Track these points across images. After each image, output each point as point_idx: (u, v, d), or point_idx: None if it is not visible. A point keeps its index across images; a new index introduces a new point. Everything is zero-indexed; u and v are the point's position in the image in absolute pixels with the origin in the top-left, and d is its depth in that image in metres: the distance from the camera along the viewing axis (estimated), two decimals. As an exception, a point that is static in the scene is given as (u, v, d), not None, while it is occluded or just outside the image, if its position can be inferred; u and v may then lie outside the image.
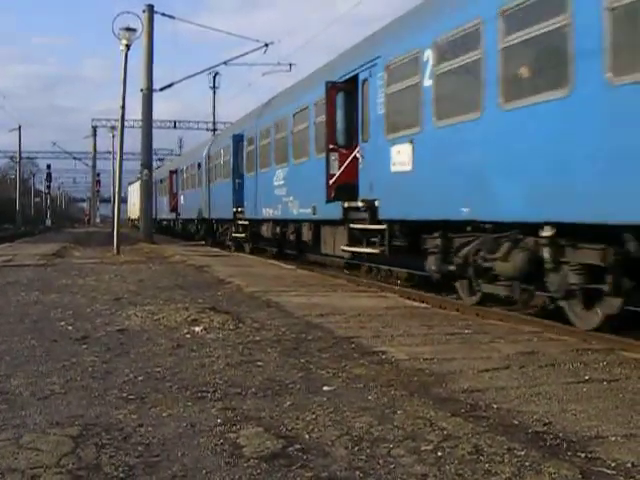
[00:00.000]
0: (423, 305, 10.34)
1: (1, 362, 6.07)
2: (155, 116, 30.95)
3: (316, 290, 11.89)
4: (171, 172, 40.74)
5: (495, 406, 4.76)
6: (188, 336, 7.37)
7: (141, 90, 28.86)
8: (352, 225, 13.70)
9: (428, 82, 10.57)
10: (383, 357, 6.32)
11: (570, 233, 7.94)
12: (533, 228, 8.44)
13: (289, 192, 17.95)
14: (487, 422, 4.39)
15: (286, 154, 18.13)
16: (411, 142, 11.10)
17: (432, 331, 7.77)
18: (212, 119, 60.52)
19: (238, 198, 23.45)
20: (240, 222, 24.20)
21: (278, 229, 20.13)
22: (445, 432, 4.16)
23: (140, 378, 5.50)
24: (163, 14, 29.40)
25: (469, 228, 10.13)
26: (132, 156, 59.96)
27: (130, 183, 70.46)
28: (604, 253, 7.57)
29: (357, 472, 3.55)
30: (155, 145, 30.48)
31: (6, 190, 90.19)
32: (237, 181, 23.58)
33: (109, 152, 61.82)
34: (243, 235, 24.47)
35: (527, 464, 3.64)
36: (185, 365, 5.96)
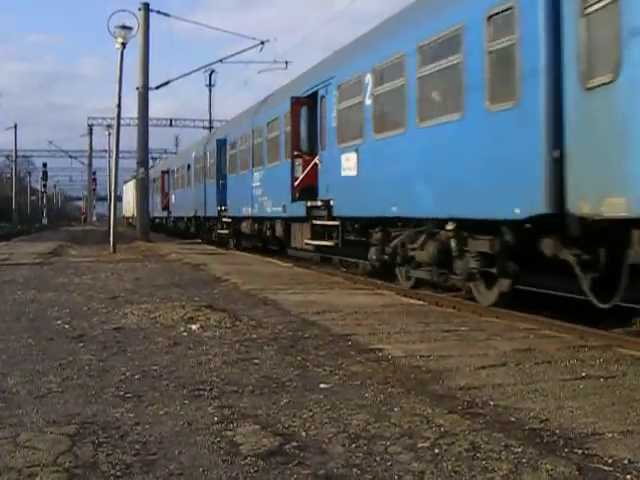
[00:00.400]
0: (419, 302, 10.35)
1: (-3, 361, 6.07)
2: (151, 114, 31.02)
3: (313, 288, 11.89)
4: (163, 172, 42.25)
5: (492, 403, 4.77)
6: (185, 334, 7.36)
7: (137, 88, 28.83)
8: (314, 221, 15.76)
9: (368, 101, 12.55)
10: (380, 354, 6.32)
11: (473, 227, 9.64)
12: (443, 223, 10.20)
13: (264, 192, 19.96)
14: (484, 419, 4.39)
15: (262, 158, 20.21)
16: (356, 151, 13.10)
17: (429, 328, 7.78)
18: (208, 117, 60.47)
19: (222, 197, 25.38)
20: (224, 220, 26.03)
21: (256, 226, 22.07)
22: (442, 429, 4.16)
23: (137, 376, 5.50)
24: (159, 12, 29.40)
25: (400, 224, 11.97)
26: (128, 154, 59.97)
27: (125, 182, 70.46)
28: (492, 243, 9.28)
29: (354, 469, 3.55)
30: (151, 143, 30.44)
31: (2, 189, 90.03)
32: (221, 182, 25.49)
33: (105, 150, 61.92)
34: (227, 232, 26.21)
35: (524, 461, 3.65)
36: (182, 363, 5.96)
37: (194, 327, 7.68)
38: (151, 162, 42.81)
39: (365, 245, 13.56)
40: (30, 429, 4.15)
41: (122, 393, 4.99)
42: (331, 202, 14.41)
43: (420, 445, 3.90)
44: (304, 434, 4.10)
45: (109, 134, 51.14)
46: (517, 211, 8.37)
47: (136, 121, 30.60)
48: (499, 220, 8.89)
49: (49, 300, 10.13)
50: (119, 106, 22.73)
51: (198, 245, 28.22)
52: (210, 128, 55.59)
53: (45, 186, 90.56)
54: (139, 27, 24.67)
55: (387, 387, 5.14)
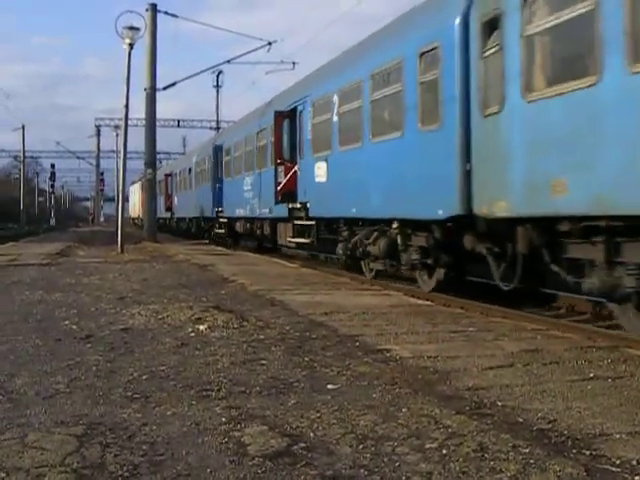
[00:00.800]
0: (427, 303, 10.34)
1: (5, 361, 6.08)
2: (158, 115, 31.05)
3: (319, 288, 11.90)
4: (166, 175, 44.10)
5: (500, 404, 4.76)
6: (192, 335, 7.37)
7: (144, 89, 28.87)
8: (295, 222, 17.96)
9: (335, 118, 14.67)
10: (387, 355, 6.32)
11: (413, 225, 11.70)
12: (390, 222, 12.35)
13: (254, 195, 21.95)
14: (492, 420, 4.38)
15: (252, 164, 22.27)
16: (326, 161, 15.19)
17: (436, 329, 7.77)
18: (216, 118, 60.54)
19: (219, 199, 27.70)
20: (221, 220, 28.31)
21: (248, 225, 24.34)
22: (450, 430, 4.15)
23: (144, 377, 5.50)
24: (166, 13, 29.44)
25: (360, 223, 14.05)
26: (136, 155, 60.11)
27: (133, 182, 70.74)
28: (427, 238, 11.31)
29: (362, 470, 3.55)
30: (158, 144, 30.49)
31: (10, 190, 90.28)
32: (217, 185, 27.89)
33: (113, 151, 62.15)
34: (223, 231, 28.57)
35: (532, 462, 3.64)
36: (189, 364, 5.97)
37: (202, 328, 7.68)
38: (158, 163, 43.08)
39: (335, 242, 15.69)
40: (38, 430, 4.16)
41: (130, 394, 5.00)
42: (307, 204, 16.59)
43: (428, 446, 3.90)
44: (312, 435, 4.10)
45: (117, 135, 51.39)
46: (440, 212, 10.33)
47: (144, 122, 30.64)
48: (429, 220, 10.90)
49: (57, 301, 10.16)
50: (127, 107, 22.78)
51: (205, 246, 28.26)
52: (217, 129, 55.72)
53: (53, 187, 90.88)
54: (146, 28, 24.71)
55: (395, 388, 5.14)
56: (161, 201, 43.40)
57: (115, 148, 54.89)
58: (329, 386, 5.21)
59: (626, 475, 3.51)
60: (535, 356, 6.26)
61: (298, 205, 17.31)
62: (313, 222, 16.70)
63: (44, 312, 9.04)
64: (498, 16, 8.80)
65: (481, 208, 9.35)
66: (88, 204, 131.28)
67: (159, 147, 32.12)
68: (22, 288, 11.76)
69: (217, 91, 60.06)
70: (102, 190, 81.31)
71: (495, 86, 8.87)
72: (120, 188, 23.12)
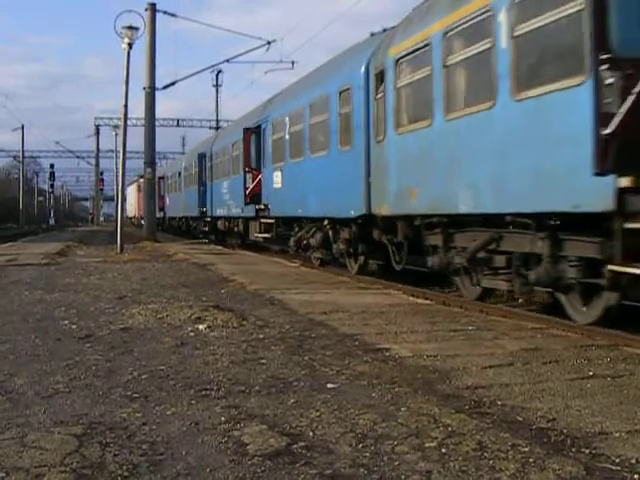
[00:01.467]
0: (426, 302, 10.34)
1: (5, 361, 6.08)
2: (158, 114, 31.02)
3: (319, 287, 11.90)
4: (159, 177, 45.82)
5: (499, 402, 4.76)
6: (192, 334, 7.37)
7: (144, 88, 28.85)
8: (261, 220, 21.60)
9: (287, 136, 18.20)
10: (387, 354, 6.32)
11: (340, 222, 14.99)
12: (323, 220, 15.87)
13: (231, 197, 25.42)
14: (491, 419, 4.39)
15: (229, 170, 25.95)
16: (281, 170, 18.70)
17: (435, 328, 7.78)
18: (215, 117, 60.51)
19: (203, 201, 31.37)
20: (205, 219, 31.96)
21: (227, 224, 27.85)
22: (449, 429, 4.16)
23: (144, 376, 5.51)
24: (165, 12, 29.40)
25: (305, 221, 17.47)
26: (135, 154, 60.12)
27: (130, 183, 70.88)
28: (349, 232, 14.60)
29: (361, 469, 3.55)
30: (158, 144, 30.51)
31: (9, 189, 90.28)
32: (201, 188, 31.66)
33: (112, 151, 62.09)
34: (207, 229, 32.37)
35: (531, 460, 3.64)
36: (189, 363, 5.97)
37: (201, 327, 7.69)
38: (158, 163, 43.36)
39: (289, 236, 19.06)
40: (37, 429, 4.16)
41: (129, 393, 5.00)
42: (269, 206, 20.06)
43: (427, 445, 3.90)
44: (311, 434, 4.10)
45: (116, 134, 51.41)
46: (352, 212, 13.85)
47: (143, 121, 30.63)
48: (346, 218, 14.30)
49: (56, 300, 10.16)
50: (126, 106, 22.76)
51: (205, 245, 28.28)
52: (217, 128, 55.64)
53: (52, 187, 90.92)
54: (145, 27, 24.68)
55: (394, 387, 5.14)
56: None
57: (114, 148, 54.89)
58: (329, 385, 5.21)
59: (625, 474, 3.51)
60: (534, 355, 6.26)
61: (262, 206, 20.72)
62: (273, 220, 20.44)
63: (43, 312, 9.04)
64: (383, 70, 12.27)
65: (376, 209, 12.95)
66: (87, 204, 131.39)
67: (158, 146, 32.14)
68: (21, 288, 11.76)
69: (216, 90, 60.09)
70: (101, 190, 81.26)
71: (382, 121, 12.39)
72: (120, 188, 23.10)
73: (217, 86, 59.75)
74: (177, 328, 7.71)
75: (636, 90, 6.69)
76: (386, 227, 13.07)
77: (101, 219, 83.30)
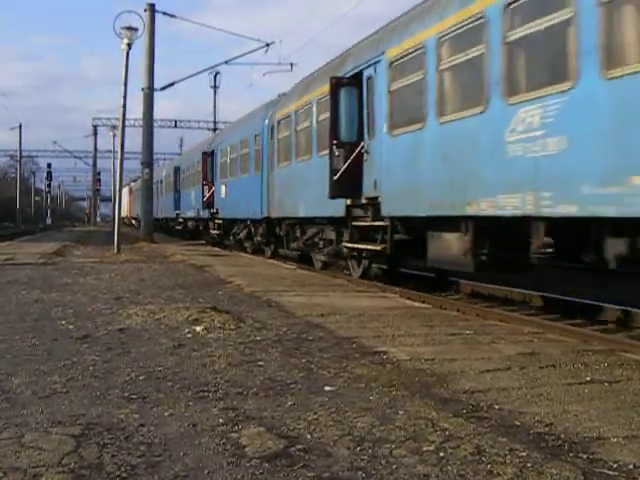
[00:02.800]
0: (424, 305, 10.35)
1: (2, 361, 6.07)
2: (156, 115, 31.09)
3: (316, 290, 11.89)
4: None
5: (497, 407, 4.76)
6: (189, 336, 7.37)
7: (142, 89, 28.85)
8: (215, 220, 28.92)
9: (228, 160, 26.41)
10: (384, 357, 6.32)
11: (256, 222, 22.69)
12: (246, 220, 24.06)
13: (196, 203, 32.53)
14: (489, 423, 4.39)
15: (194, 182, 33.58)
16: (225, 184, 26.90)
17: (433, 331, 7.78)
18: (213, 119, 60.49)
19: (177, 205, 39.55)
20: (179, 220, 40.01)
21: (194, 223, 35.15)
22: (447, 433, 4.16)
23: (141, 377, 5.50)
24: (164, 13, 29.43)
25: (239, 221, 25.39)
26: (132, 155, 59.97)
27: (125, 185, 71.01)
28: (263, 229, 21.70)
29: (359, 472, 3.55)
30: (156, 145, 30.58)
31: (6, 189, 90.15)
32: (176, 194, 39.85)
33: (110, 151, 61.95)
34: (180, 228, 40.08)
35: (529, 465, 3.64)
36: (186, 365, 5.96)
37: (198, 329, 7.68)
38: (155, 164, 43.48)
39: (231, 232, 26.87)
40: (35, 429, 4.15)
41: (127, 394, 4.99)
42: (219, 210, 27.82)
43: (425, 448, 3.90)
44: (309, 436, 4.10)
45: (114, 135, 51.32)
46: (260, 215, 21.16)
47: (141, 122, 30.63)
48: (258, 219, 21.73)
49: (53, 300, 10.15)
50: (124, 107, 22.76)
51: (202, 247, 28.28)
52: (215, 129, 55.61)
53: (49, 186, 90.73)
54: (145, 28, 24.68)
55: (392, 390, 5.14)
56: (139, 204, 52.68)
57: (112, 148, 54.82)
58: (326, 388, 5.21)
59: (623, 479, 3.52)
60: (532, 359, 6.26)
61: (215, 210, 28.40)
62: (221, 221, 28.15)
63: (41, 312, 9.02)
64: (273, 125, 20.15)
65: (271, 214, 20.25)
66: (84, 204, 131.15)
67: (156, 147, 32.18)
68: (18, 287, 11.74)
69: (214, 92, 60.06)
70: (98, 190, 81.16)
71: (272, 158, 20.13)
72: (117, 188, 23.07)
73: (215, 87, 59.72)
74: (174, 329, 7.70)
75: (350, 159, 13.88)
76: (277, 225, 20.50)
77: (98, 219, 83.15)
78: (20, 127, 72.65)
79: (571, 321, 9.82)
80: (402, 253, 13.29)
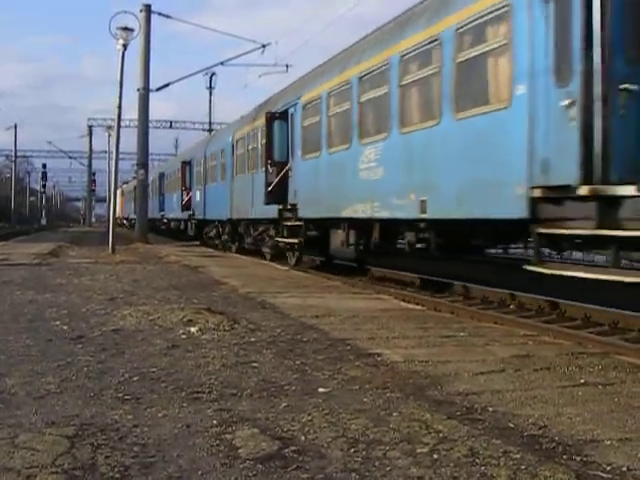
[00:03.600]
0: (418, 307, 10.36)
1: (-4, 361, 6.05)
2: (151, 116, 31.14)
3: (311, 291, 11.89)
4: (135, 187, 49.85)
5: (490, 409, 4.77)
6: (183, 337, 7.36)
7: (138, 90, 28.83)
8: (192, 221, 33.30)
9: (202, 170, 31.40)
10: (378, 359, 6.32)
11: (225, 222, 27.27)
12: (220, 221, 28.14)
13: (177, 206, 36.85)
14: (483, 425, 4.39)
15: (176, 187, 38.00)
16: (200, 190, 31.35)
17: (427, 333, 7.78)
18: (208, 119, 60.45)
19: (162, 206, 44.31)
20: (164, 220, 44.33)
21: (175, 223, 39.90)
22: (441, 435, 4.16)
23: (135, 378, 5.49)
24: (160, 14, 29.43)
25: (216, 221, 28.87)
26: (127, 156, 59.97)
27: (120, 186, 71.03)
28: (228, 227, 26.62)
29: (353, 474, 3.55)
30: (151, 145, 30.64)
31: (1, 189, 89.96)
32: (161, 197, 45.03)
33: (105, 151, 61.95)
34: (165, 227, 44.50)
35: (523, 467, 3.65)
36: (180, 366, 5.96)
37: (193, 330, 7.67)
38: (150, 165, 43.59)
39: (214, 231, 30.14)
40: (29, 430, 4.14)
41: (121, 395, 4.98)
42: (195, 212, 32.31)
43: (419, 450, 3.90)
44: (303, 438, 4.10)
45: (109, 135, 51.31)
46: (225, 217, 25.86)
47: (136, 122, 30.61)
48: (224, 220, 26.44)
49: (47, 301, 10.13)
50: (120, 107, 22.69)
51: (197, 247, 28.28)
52: (210, 130, 55.55)
53: (44, 187, 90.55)
54: (140, 29, 24.63)
55: (386, 392, 5.14)
56: (132, 205, 53.98)
57: (107, 149, 54.80)
58: (320, 389, 5.21)
59: (616, 481, 3.53)
60: (526, 362, 6.27)
61: (192, 212, 32.80)
62: (196, 221, 32.45)
63: (35, 312, 9.00)
64: (235, 142, 24.65)
65: (233, 215, 24.27)
66: (79, 204, 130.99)
67: (151, 148, 32.25)
68: (12, 288, 11.71)
69: (210, 93, 59.99)
70: (94, 191, 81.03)
71: (233, 169, 24.73)
72: (112, 189, 23.05)
73: (210, 89, 59.61)
74: (168, 330, 7.70)
75: (280, 174, 18.25)
76: (238, 225, 24.64)
77: (93, 220, 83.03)
78: (15, 127, 72.55)
79: (566, 324, 9.84)
80: (314, 245, 17.73)
